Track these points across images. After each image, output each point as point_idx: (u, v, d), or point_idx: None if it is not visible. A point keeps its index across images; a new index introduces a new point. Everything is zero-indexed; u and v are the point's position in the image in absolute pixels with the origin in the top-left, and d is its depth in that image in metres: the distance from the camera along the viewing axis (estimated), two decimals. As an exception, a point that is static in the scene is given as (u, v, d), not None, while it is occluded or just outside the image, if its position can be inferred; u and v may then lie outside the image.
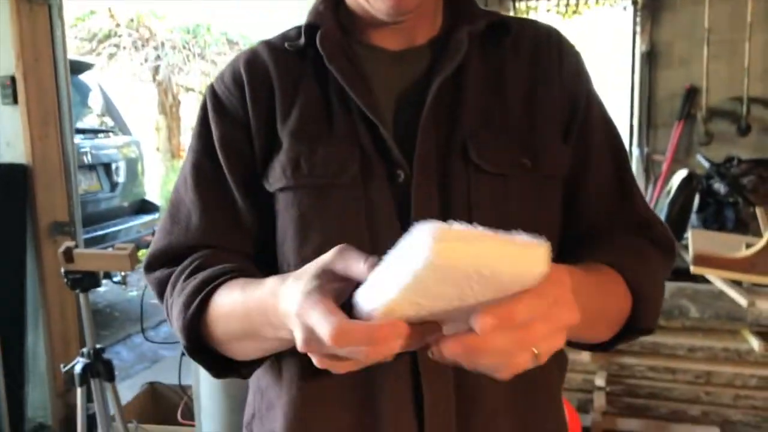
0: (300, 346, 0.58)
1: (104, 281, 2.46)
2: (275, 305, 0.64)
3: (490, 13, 0.87)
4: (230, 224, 0.85)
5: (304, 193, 0.80)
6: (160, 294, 0.85)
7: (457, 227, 0.50)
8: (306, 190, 0.80)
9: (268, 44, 0.89)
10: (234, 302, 0.73)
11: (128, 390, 3.19)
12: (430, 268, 0.48)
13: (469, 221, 0.75)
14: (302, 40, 0.85)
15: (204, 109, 0.88)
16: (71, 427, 2.53)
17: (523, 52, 0.87)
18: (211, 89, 0.89)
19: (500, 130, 0.81)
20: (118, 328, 4.93)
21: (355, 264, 0.57)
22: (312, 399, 0.80)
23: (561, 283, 0.54)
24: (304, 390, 0.80)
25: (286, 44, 0.87)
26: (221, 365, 0.81)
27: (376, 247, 0.76)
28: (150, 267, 0.88)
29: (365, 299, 0.56)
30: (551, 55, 0.87)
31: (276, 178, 0.81)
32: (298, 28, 0.88)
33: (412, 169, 0.78)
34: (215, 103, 0.87)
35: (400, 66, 0.85)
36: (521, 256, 0.50)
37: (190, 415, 2.73)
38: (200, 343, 0.80)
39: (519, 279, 0.51)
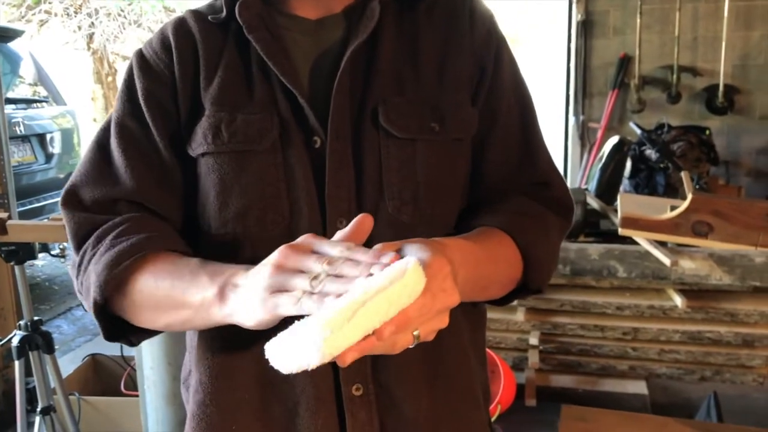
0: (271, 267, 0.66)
1: (42, 254, 2.42)
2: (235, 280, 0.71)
3: None
4: (157, 183, 0.86)
5: (225, 159, 0.82)
6: (79, 241, 0.85)
7: (339, 305, 0.57)
8: (226, 155, 0.82)
9: (194, 13, 0.91)
10: (176, 274, 0.76)
11: (70, 363, 3.16)
12: (329, 356, 0.56)
13: (380, 184, 0.81)
14: (224, 12, 0.87)
15: (130, 72, 0.89)
16: (11, 402, 2.51)
17: (437, 17, 0.89)
18: (139, 53, 0.90)
19: (411, 96, 0.85)
20: (59, 302, 4.85)
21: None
22: (231, 348, 0.84)
23: (441, 274, 0.63)
24: (225, 341, 0.84)
25: (209, 17, 0.88)
26: (116, 329, 0.84)
27: (294, 210, 0.81)
28: (70, 203, 0.87)
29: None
30: (463, 19, 0.89)
31: (198, 144, 0.84)
32: None
33: (327, 136, 0.82)
34: (142, 64, 0.88)
35: (317, 34, 0.88)
36: (401, 289, 0.58)
37: (133, 385, 2.73)
38: (106, 304, 0.81)
39: (408, 302, 0.59)
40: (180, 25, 0.90)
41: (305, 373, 0.80)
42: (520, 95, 0.93)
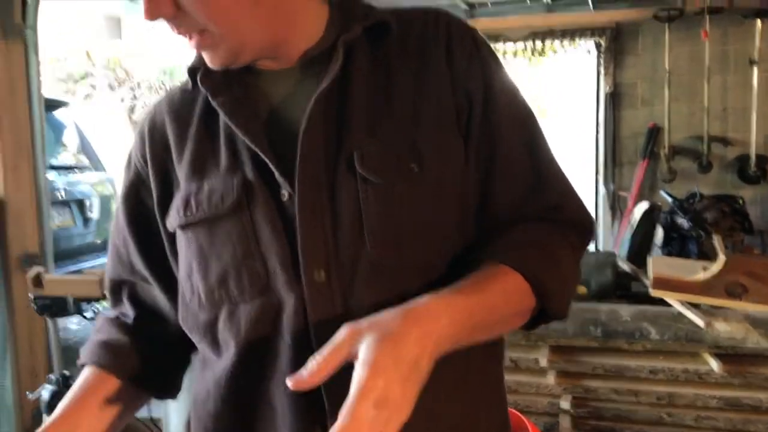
0: None
1: (76, 318, 2.46)
2: None
3: (368, 17, 0.85)
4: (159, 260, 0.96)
5: (198, 228, 0.84)
6: None
7: None
8: (198, 225, 0.84)
9: (168, 93, 0.95)
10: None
11: (97, 424, 3.15)
12: None
13: (360, 230, 0.79)
14: (189, 84, 0.89)
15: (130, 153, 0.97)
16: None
17: (410, 48, 0.85)
18: (130, 150, 0.97)
19: (387, 137, 0.80)
20: (89, 366, 4.86)
21: None
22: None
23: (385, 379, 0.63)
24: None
25: (181, 90, 0.92)
26: None
27: (268, 267, 0.80)
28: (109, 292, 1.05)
29: None
30: (438, 48, 0.84)
31: (173, 218, 0.87)
32: None
33: (295, 188, 0.78)
34: (127, 162, 0.97)
35: (283, 84, 0.86)
36: None
37: (159, 447, 2.71)
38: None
39: None
40: (153, 112, 0.95)
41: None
42: (519, 119, 0.87)
